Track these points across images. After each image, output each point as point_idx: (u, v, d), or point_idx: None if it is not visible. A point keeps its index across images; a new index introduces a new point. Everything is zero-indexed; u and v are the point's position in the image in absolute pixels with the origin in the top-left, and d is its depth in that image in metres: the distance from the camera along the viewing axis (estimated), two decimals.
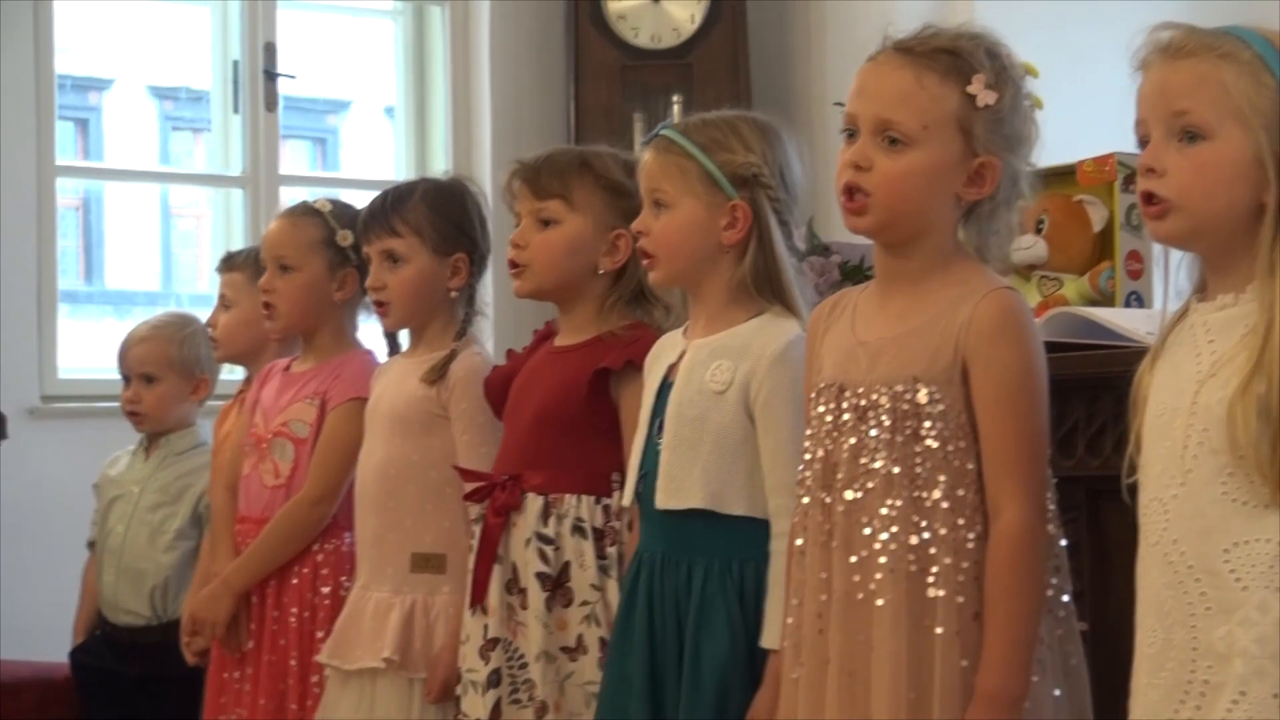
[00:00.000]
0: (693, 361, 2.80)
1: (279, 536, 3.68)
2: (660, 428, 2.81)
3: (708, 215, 2.81)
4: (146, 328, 4.52)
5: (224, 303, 4.27)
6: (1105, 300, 3.19)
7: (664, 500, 2.77)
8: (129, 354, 4.47)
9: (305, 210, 3.88)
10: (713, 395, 2.76)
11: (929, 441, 2.34)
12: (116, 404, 4.51)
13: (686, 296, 2.92)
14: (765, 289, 2.81)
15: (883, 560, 2.34)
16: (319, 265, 3.80)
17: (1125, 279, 3.20)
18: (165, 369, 4.43)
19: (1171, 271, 2.29)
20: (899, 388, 2.36)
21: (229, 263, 4.32)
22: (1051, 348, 2.44)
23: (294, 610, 3.67)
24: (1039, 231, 3.29)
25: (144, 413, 4.42)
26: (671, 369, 2.84)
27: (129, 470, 4.47)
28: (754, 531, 2.72)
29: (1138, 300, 3.18)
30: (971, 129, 2.39)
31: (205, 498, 4.19)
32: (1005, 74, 2.42)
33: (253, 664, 3.70)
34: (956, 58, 2.40)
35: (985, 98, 2.38)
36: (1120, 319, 2.79)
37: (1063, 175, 3.24)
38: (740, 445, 2.74)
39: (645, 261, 2.89)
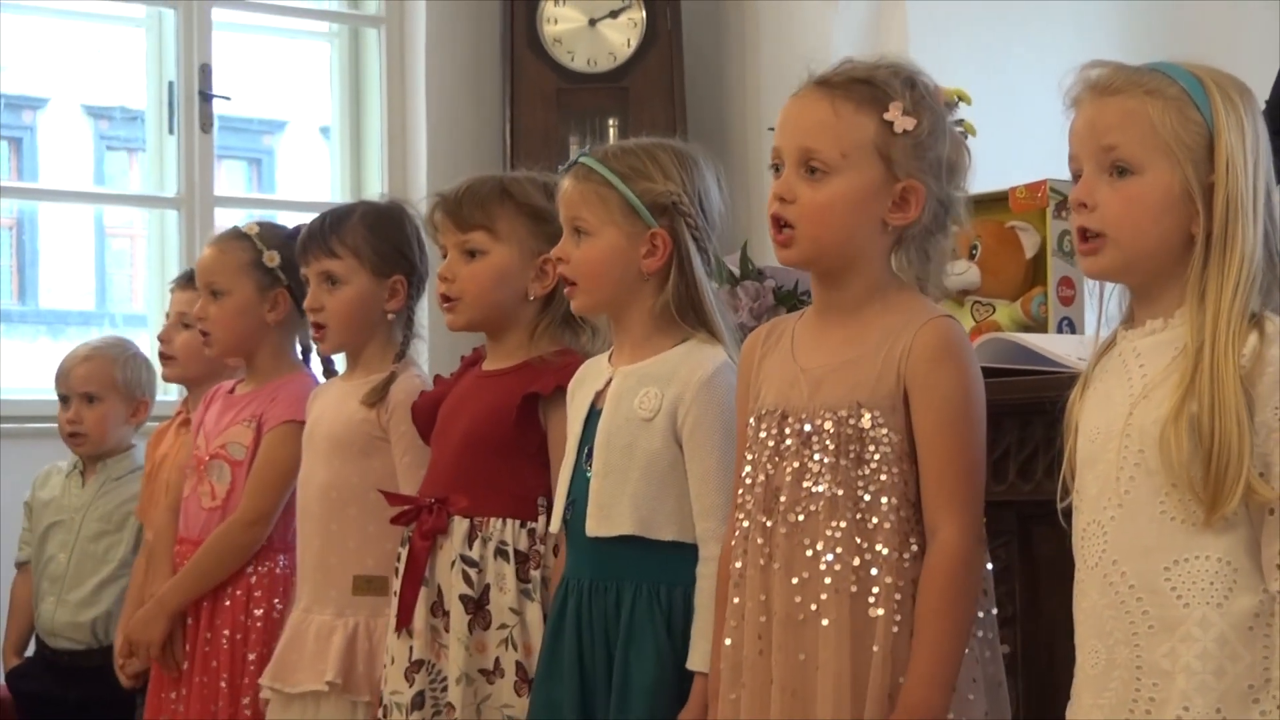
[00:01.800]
0: (620, 389, 2.82)
1: (213, 557, 3.68)
2: (589, 455, 2.82)
3: (628, 243, 2.83)
4: (88, 348, 4.51)
5: (182, 320, 4.26)
6: (1037, 326, 3.21)
7: (594, 528, 2.78)
8: (71, 373, 4.45)
9: (233, 235, 3.90)
10: (641, 422, 2.77)
11: (872, 465, 2.38)
12: (51, 424, 4.48)
13: (610, 322, 2.94)
14: (689, 315, 2.83)
15: (827, 581, 2.36)
16: (249, 287, 3.81)
17: (1057, 305, 3.22)
18: (108, 389, 4.42)
19: (1103, 301, 2.32)
20: (843, 412, 2.40)
21: (188, 280, 4.29)
22: (984, 373, 2.46)
23: (226, 632, 3.67)
24: (972, 257, 3.30)
25: (85, 433, 4.40)
26: (599, 396, 2.86)
27: (65, 495, 4.44)
28: (683, 556, 2.73)
29: (1069, 326, 3.21)
30: (890, 154, 2.43)
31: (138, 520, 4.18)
32: (924, 101, 2.47)
33: (185, 685, 3.70)
34: (872, 87, 2.45)
35: (902, 123, 2.43)
36: (1052, 345, 2.81)
37: (995, 201, 3.25)
38: (669, 471, 2.75)
39: (567, 289, 2.90)
